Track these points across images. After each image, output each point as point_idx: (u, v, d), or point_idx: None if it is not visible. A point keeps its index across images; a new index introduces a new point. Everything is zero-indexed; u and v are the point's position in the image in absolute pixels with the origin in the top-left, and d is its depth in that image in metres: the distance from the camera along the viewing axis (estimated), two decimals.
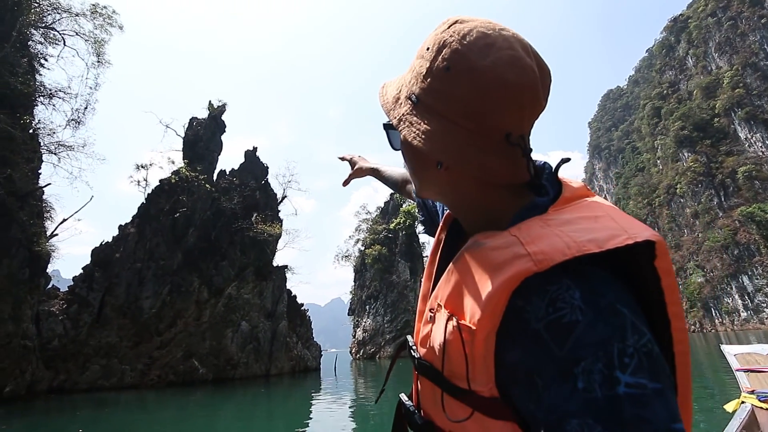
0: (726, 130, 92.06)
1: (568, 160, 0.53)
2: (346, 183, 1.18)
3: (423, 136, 0.51)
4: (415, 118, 0.53)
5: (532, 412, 0.42)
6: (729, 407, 2.78)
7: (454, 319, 0.49)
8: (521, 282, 0.43)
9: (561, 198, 0.51)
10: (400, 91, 0.56)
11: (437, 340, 0.52)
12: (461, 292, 0.49)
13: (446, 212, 0.70)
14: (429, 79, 0.51)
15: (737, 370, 3.00)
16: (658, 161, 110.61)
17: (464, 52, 0.48)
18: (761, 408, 2.55)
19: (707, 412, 7.52)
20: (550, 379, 0.40)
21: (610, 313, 0.40)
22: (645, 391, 0.36)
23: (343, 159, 1.23)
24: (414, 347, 0.62)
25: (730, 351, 3.28)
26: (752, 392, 2.68)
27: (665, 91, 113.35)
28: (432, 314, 0.56)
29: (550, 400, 0.39)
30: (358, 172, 1.15)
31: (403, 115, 0.54)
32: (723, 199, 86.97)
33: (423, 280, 0.68)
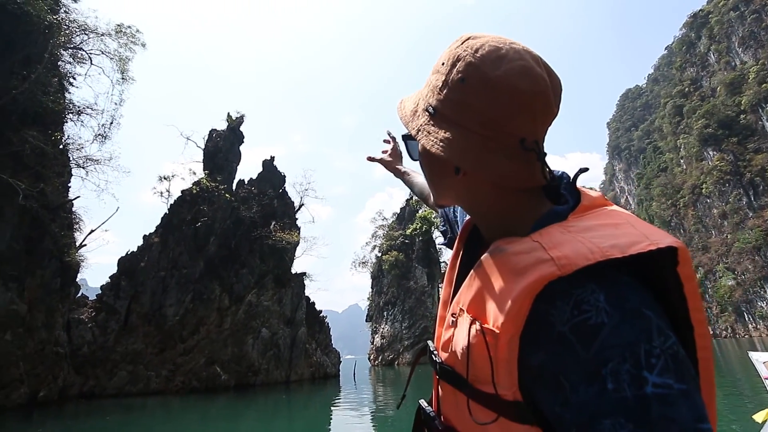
0: (753, 127, 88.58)
1: (586, 169, 0.55)
2: (371, 159, 1.19)
3: (441, 144, 0.54)
4: (432, 128, 0.56)
5: (558, 414, 0.42)
6: (758, 417, 2.61)
7: (478, 324, 0.49)
8: (545, 286, 0.44)
9: (580, 206, 0.53)
10: (417, 105, 0.60)
11: (460, 344, 0.53)
12: (484, 297, 0.50)
13: (466, 219, 0.71)
14: (445, 91, 0.54)
15: (766, 379, 2.86)
16: (682, 161, 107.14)
17: (478, 64, 0.51)
18: None
19: (735, 422, 7.21)
20: (578, 380, 0.40)
21: (635, 315, 0.41)
22: (672, 391, 0.37)
23: (372, 159, 1.21)
24: (435, 352, 0.62)
25: (759, 358, 3.11)
26: None
27: (687, 89, 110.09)
28: (454, 319, 0.56)
29: (579, 401, 0.40)
30: (388, 163, 1.16)
31: (421, 125, 0.57)
32: (753, 199, 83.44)
33: (443, 285, 0.69)
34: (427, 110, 0.57)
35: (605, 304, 0.42)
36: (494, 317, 0.47)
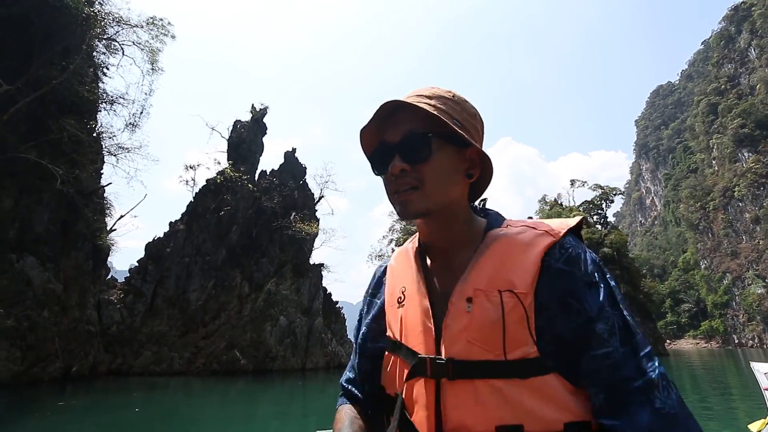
0: None
1: (485, 200, 0.79)
2: None
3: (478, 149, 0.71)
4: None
5: (571, 328, 0.59)
6: (754, 427, 2.56)
7: (506, 292, 0.61)
8: (549, 248, 0.64)
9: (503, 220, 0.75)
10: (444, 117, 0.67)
11: (490, 320, 0.60)
12: (502, 271, 0.63)
13: (414, 248, 0.79)
14: (465, 114, 0.71)
15: (766, 390, 2.79)
16: (714, 162, 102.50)
17: (463, 98, 0.74)
18: None
19: (731, 429, 7.12)
20: (582, 291, 0.60)
21: (588, 248, 0.66)
22: (621, 295, 0.64)
23: None
24: (438, 358, 0.62)
25: (761, 369, 3.03)
26: None
27: (723, 86, 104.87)
28: (470, 305, 0.62)
29: (590, 304, 0.60)
30: None
31: (462, 131, 0.68)
32: None
33: (414, 300, 0.70)
34: (455, 123, 0.67)
35: (574, 242, 0.65)
36: (518, 282, 0.61)
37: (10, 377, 13.92)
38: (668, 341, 79.05)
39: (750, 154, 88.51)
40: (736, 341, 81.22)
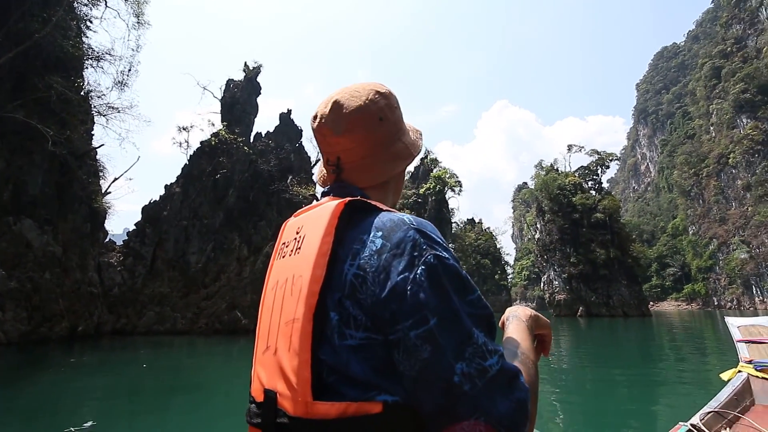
0: None
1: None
2: None
3: None
4: None
5: None
6: (725, 376, 2.71)
7: None
8: None
9: None
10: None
11: None
12: None
13: None
14: None
15: (738, 342, 2.95)
16: (712, 128, 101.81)
17: None
18: (756, 377, 2.55)
19: (704, 382, 7.75)
20: None
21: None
22: None
23: None
24: None
25: (734, 323, 3.20)
26: (750, 362, 2.65)
27: (729, 48, 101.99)
28: None
29: None
30: None
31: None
32: None
33: None
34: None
35: None
36: None
37: (18, 336, 14.38)
38: (651, 303, 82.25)
39: (749, 120, 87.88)
40: (716, 303, 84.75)
